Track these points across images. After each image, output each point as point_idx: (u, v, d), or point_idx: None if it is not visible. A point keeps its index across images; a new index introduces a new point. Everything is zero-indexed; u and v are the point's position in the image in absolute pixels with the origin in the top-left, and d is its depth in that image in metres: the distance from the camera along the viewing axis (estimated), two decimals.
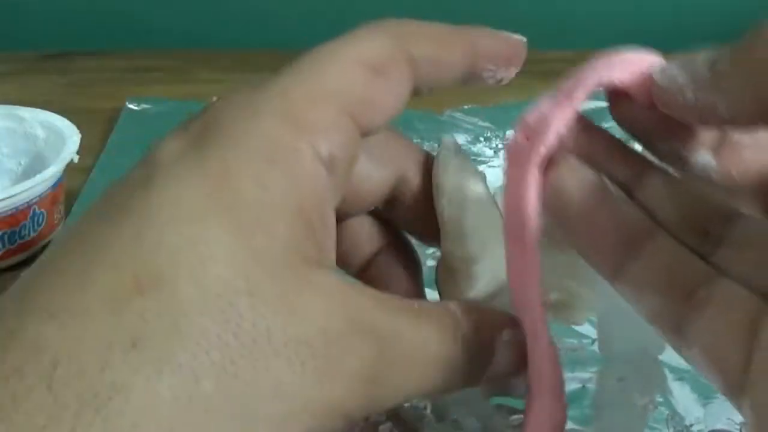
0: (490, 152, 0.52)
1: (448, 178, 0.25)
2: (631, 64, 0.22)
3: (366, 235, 0.28)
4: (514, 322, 0.23)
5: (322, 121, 0.21)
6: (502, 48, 0.25)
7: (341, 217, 0.27)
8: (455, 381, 0.22)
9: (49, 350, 0.16)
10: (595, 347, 0.31)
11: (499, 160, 0.51)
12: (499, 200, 0.25)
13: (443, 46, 0.24)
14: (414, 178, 0.26)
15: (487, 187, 0.26)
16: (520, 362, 0.23)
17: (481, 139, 0.54)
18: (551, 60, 0.74)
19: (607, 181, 0.22)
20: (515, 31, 0.25)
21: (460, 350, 0.22)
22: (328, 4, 0.76)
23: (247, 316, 0.18)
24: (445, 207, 0.25)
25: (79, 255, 0.18)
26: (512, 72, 0.26)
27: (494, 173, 0.50)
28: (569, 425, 0.28)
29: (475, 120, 0.56)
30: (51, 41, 0.74)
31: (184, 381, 0.17)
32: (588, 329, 0.33)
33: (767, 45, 0.18)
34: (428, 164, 0.27)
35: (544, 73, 0.67)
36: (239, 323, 0.18)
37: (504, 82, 0.26)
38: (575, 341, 0.32)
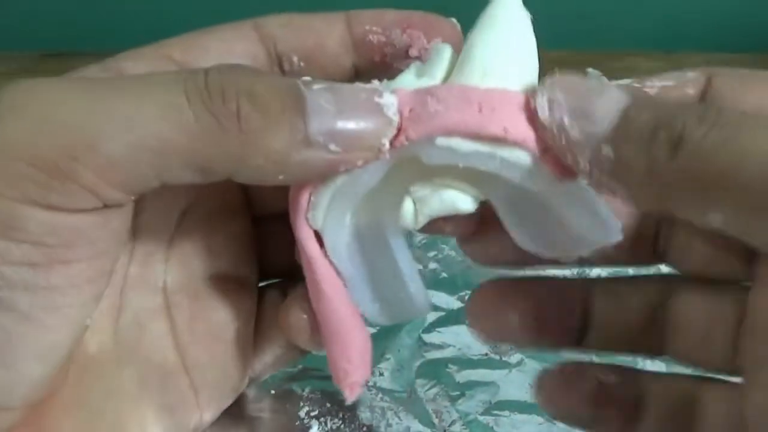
0: None
1: None
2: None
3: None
4: None
5: None
6: (383, 14, 0.24)
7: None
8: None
9: None
10: None
11: None
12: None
13: (298, 18, 0.25)
14: None
15: None
16: None
17: None
18: (551, 60, 0.73)
19: None
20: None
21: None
22: (329, 4, 0.75)
23: None
24: None
25: None
26: (416, 37, 0.24)
27: None
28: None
29: None
30: (51, 41, 0.74)
31: None
32: None
33: None
34: None
35: (544, 73, 0.67)
36: None
37: (414, 51, 0.24)
38: None
